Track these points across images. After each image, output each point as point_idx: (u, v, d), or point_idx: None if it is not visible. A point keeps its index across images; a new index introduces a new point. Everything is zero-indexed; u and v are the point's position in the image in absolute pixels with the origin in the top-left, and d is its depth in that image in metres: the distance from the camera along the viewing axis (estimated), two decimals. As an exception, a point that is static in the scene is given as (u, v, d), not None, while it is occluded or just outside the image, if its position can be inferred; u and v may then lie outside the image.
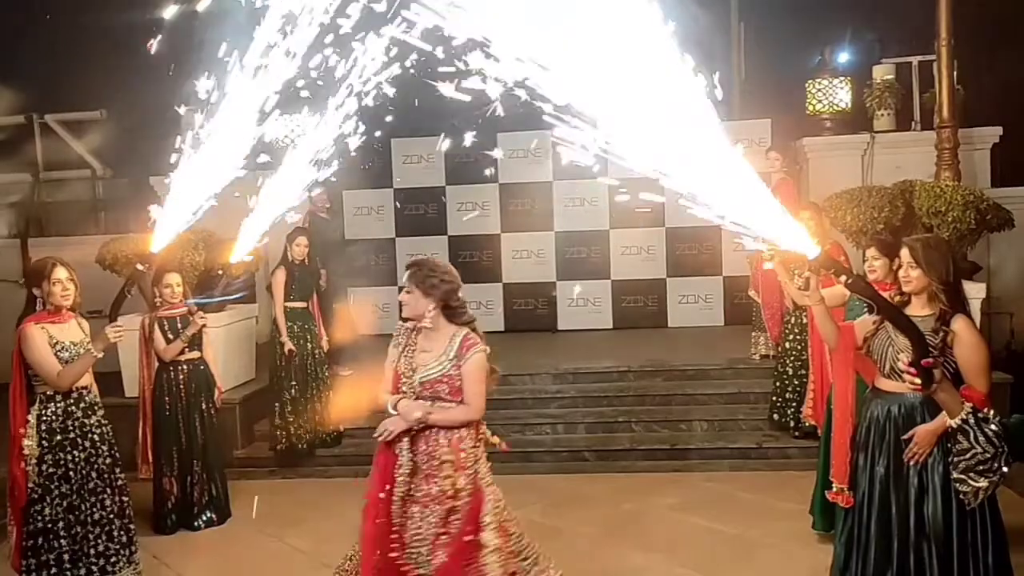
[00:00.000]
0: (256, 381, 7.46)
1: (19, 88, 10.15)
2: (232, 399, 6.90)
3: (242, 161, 3.77)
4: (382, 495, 3.50)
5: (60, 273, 4.20)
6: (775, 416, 6.47)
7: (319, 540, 5.43)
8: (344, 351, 7.62)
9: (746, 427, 6.75)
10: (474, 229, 9.60)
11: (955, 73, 7.61)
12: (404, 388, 3.54)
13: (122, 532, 4.42)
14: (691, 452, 6.57)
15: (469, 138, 4.31)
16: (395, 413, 3.49)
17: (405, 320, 3.63)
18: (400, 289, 3.68)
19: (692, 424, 6.84)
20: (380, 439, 3.51)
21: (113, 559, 4.37)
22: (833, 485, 4.01)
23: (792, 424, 6.31)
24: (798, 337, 6.08)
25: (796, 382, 6.18)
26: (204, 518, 5.71)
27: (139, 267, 4.21)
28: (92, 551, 4.31)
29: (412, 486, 3.49)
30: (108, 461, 4.39)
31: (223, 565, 5.23)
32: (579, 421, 6.96)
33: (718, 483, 6.16)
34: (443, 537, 3.46)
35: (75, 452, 4.26)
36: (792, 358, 6.17)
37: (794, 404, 6.24)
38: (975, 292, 6.34)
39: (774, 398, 6.47)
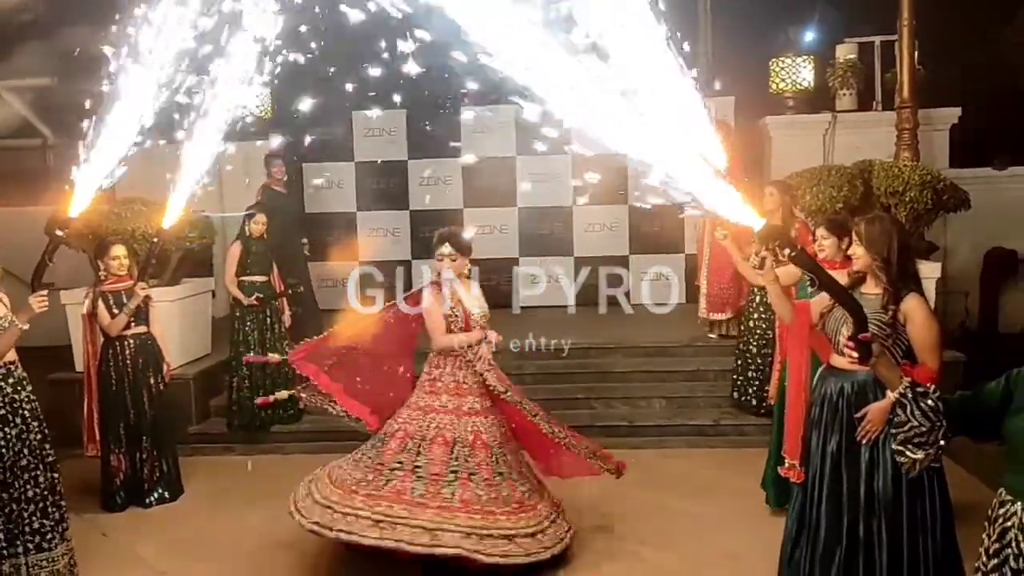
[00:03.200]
0: (212, 356, 7.34)
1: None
2: (186, 374, 6.80)
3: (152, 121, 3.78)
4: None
5: None
6: (735, 394, 6.50)
7: (273, 518, 5.34)
8: (307, 326, 7.55)
9: (704, 404, 6.79)
10: (436, 204, 9.51)
11: (916, 53, 7.65)
12: (474, 325, 4.60)
13: (55, 509, 4.33)
14: (650, 429, 6.59)
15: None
16: (490, 341, 4.64)
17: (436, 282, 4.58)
18: (443, 257, 4.53)
19: (651, 401, 6.86)
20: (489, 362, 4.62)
21: (48, 535, 4.28)
22: (785, 460, 4.06)
23: (754, 403, 6.32)
24: (762, 316, 6.07)
25: (760, 360, 6.18)
26: (156, 495, 5.63)
27: (58, 233, 4.10)
28: (27, 528, 4.21)
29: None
30: (39, 437, 4.28)
31: (175, 542, 5.15)
32: (539, 398, 6.84)
33: (675, 460, 6.20)
34: None
35: (6, 429, 4.15)
36: (756, 337, 6.17)
37: (756, 383, 6.26)
38: (931, 272, 6.42)
39: (735, 376, 6.49)
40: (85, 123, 3.92)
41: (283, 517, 5.31)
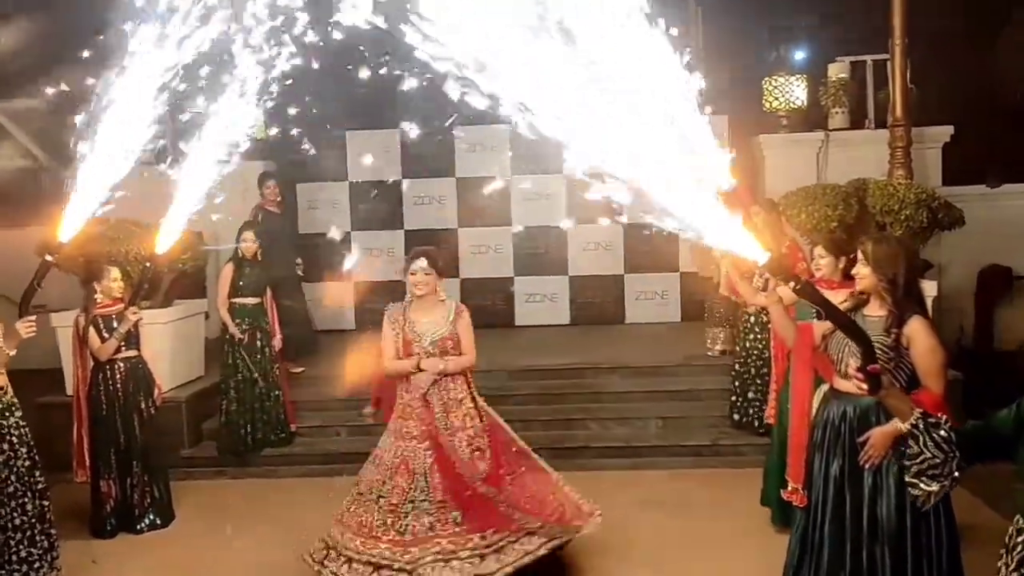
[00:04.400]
0: (204, 379, 7.26)
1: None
2: (178, 397, 6.72)
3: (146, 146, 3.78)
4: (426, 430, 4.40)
5: None
6: (735, 416, 6.44)
7: (266, 542, 5.29)
8: (297, 347, 7.49)
9: (701, 424, 6.73)
10: (431, 223, 9.49)
11: (908, 72, 7.68)
12: (416, 350, 4.40)
13: (43, 537, 4.27)
14: (647, 449, 6.53)
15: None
16: (423, 370, 4.38)
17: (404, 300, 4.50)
18: (416, 271, 4.42)
19: (648, 421, 6.81)
20: (424, 390, 4.40)
21: (36, 564, 4.23)
22: (788, 484, 4.01)
23: (756, 423, 6.26)
24: (759, 336, 6.03)
25: (759, 381, 6.12)
26: (147, 521, 5.54)
27: (47, 258, 4.06)
28: (14, 557, 4.14)
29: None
30: (27, 464, 4.21)
31: (166, 568, 5.07)
32: (535, 419, 6.88)
33: (674, 480, 6.14)
34: (476, 452, 4.41)
35: None
36: (754, 357, 6.11)
37: (756, 404, 6.20)
38: (927, 290, 6.39)
39: (734, 398, 6.43)
40: (77, 147, 3.89)
41: (274, 541, 5.27)
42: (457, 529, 4.23)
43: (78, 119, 3.96)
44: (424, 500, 4.27)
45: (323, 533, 4.48)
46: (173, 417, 6.51)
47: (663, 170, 2.77)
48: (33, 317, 4.06)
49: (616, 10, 2.71)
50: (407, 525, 4.23)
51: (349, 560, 4.23)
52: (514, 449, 4.57)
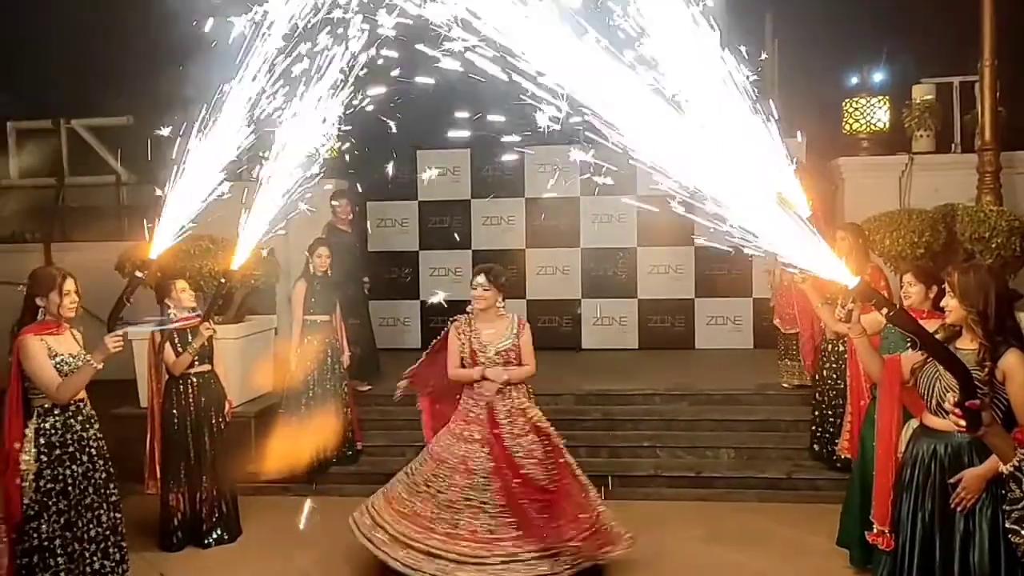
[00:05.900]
0: (274, 394, 7.32)
1: (46, 92, 10.16)
2: (247, 413, 6.78)
3: (233, 163, 3.83)
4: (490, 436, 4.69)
5: (70, 285, 4.13)
6: (815, 447, 6.22)
7: (330, 561, 5.27)
8: (364, 367, 7.50)
9: (775, 456, 6.50)
10: (498, 243, 9.45)
11: (998, 95, 7.38)
12: (481, 359, 4.76)
13: (116, 549, 4.30)
14: (717, 480, 6.34)
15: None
16: (488, 379, 4.75)
17: (468, 312, 4.88)
18: (476, 286, 4.81)
19: (719, 451, 6.61)
20: (489, 397, 4.76)
21: None
22: (873, 526, 3.81)
23: (827, 455, 6.04)
24: (834, 366, 5.80)
25: (830, 412, 5.92)
26: (214, 536, 5.56)
27: (137, 274, 4.12)
28: (88, 569, 4.17)
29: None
30: (104, 476, 4.26)
31: (231, 585, 5.09)
32: (601, 445, 6.75)
33: (745, 514, 5.93)
34: (533, 460, 4.69)
35: (73, 467, 4.13)
36: (828, 386, 5.90)
37: (828, 435, 5.97)
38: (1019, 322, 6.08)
39: (813, 428, 6.21)
40: (167, 164, 3.95)
41: (339, 560, 5.23)
42: (515, 534, 4.53)
43: (166, 135, 4.03)
44: (486, 502, 4.59)
45: (368, 503, 4.89)
46: (242, 432, 6.56)
47: (746, 192, 2.68)
48: (121, 332, 4.10)
49: (693, 35, 2.64)
50: (460, 521, 4.56)
51: (407, 546, 4.57)
52: (561, 460, 4.79)
